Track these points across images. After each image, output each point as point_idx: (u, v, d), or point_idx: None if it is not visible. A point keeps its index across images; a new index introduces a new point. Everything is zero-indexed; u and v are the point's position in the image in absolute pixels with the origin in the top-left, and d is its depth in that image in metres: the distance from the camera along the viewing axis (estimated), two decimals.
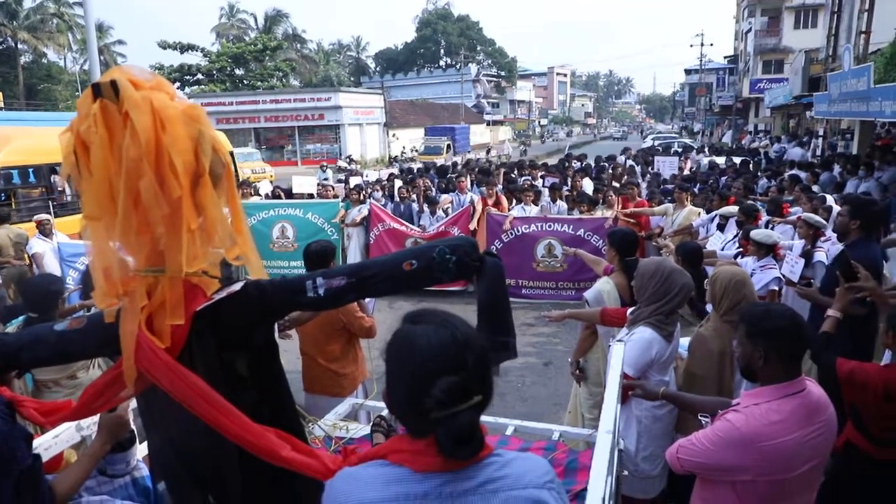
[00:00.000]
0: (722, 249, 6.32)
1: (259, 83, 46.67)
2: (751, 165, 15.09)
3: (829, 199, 7.23)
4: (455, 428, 1.19)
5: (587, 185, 11.85)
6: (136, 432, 2.20)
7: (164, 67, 44.66)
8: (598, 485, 1.88)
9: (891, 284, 4.29)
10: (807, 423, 2.17)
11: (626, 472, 3.31)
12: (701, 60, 52.81)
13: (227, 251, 1.57)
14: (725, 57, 55.15)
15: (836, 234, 4.76)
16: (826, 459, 2.33)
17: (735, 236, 6.26)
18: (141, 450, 2.24)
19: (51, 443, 2.19)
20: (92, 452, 1.93)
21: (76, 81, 42.01)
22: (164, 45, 43.93)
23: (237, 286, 1.64)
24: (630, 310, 3.53)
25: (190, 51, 45.41)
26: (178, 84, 45.02)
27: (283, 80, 49.90)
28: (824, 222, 5.62)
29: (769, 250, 5.15)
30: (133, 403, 2.07)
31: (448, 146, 35.68)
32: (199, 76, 46.25)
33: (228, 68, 46.22)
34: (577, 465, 2.69)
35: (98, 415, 1.97)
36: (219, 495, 1.72)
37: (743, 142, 31.39)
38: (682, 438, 2.40)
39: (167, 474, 1.85)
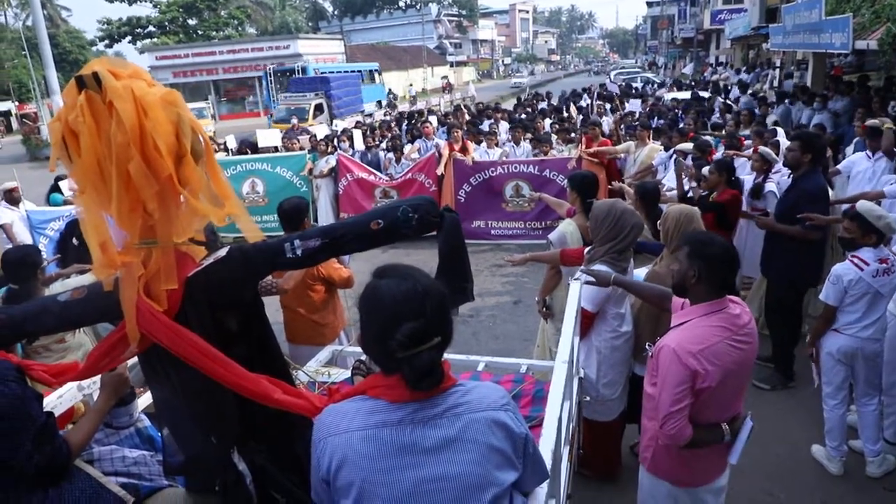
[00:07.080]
0: None
1: (214, 33, 45.13)
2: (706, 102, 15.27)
3: (780, 133, 7.48)
4: (417, 365, 1.40)
5: (548, 126, 11.96)
6: (134, 388, 2.38)
7: (113, 22, 42.82)
8: (555, 408, 2.12)
9: (839, 212, 4.97)
10: (729, 330, 2.45)
11: (588, 398, 3.61)
12: None
13: (217, 214, 1.72)
14: None
15: (786, 167, 5.07)
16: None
17: None
18: (141, 403, 2.43)
19: (56, 402, 2.37)
20: (98, 408, 2.10)
21: (20, 38, 39.91)
22: None
23: (223, 252, 1.81)
24: (586, 249, 3.77)
25: (139, 2, 43.62)
26: (128, 38, 43.27)
27: (239, 28, 48.29)
28: (776, 157, 5.89)
29: None
30: (131, 361, 2.25)
31: (318, 106, 23.72)
32: (151, 28, 44.52)
33: (180, 19, 44.57)
34: (543, 394, 2.92)
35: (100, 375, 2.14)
36: (219, 436, 1.92)
37: (705, 74, 31.38)
38: (652, 418, 2.60)
39: (170, 421, 2.04)
